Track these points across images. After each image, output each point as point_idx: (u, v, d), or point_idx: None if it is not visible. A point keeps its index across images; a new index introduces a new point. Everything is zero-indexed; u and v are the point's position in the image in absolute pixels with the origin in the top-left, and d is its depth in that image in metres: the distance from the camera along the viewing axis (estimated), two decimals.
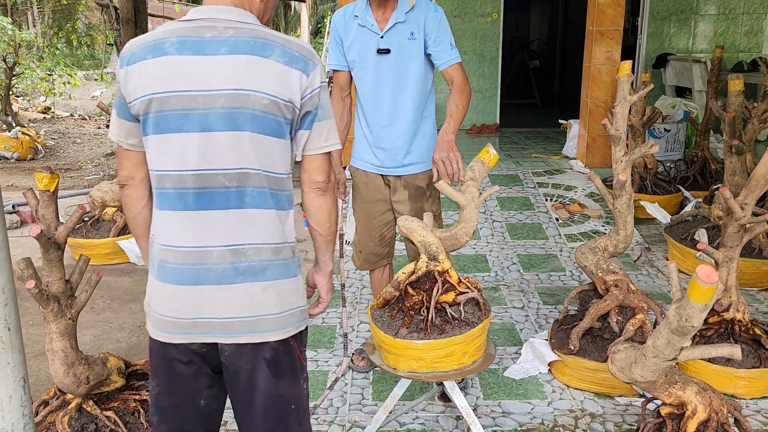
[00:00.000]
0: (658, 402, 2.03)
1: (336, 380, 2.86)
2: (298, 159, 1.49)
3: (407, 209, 2.71)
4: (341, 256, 3.26)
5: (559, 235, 4.63)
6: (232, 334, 1.44)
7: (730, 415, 1.98)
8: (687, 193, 5.12)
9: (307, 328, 1.57)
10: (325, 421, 2.58)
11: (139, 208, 1.53)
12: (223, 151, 1.38)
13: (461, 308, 2.18)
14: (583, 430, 2.52)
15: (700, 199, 4.78)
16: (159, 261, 1.44)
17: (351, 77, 2.70)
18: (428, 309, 2.14)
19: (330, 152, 1.50)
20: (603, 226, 4.72)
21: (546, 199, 5.11)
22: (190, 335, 1.45)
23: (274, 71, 1.38)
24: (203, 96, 1.36)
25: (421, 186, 2.71)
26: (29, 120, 11.17)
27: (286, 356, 1.49)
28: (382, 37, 2.56)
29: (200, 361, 1.49)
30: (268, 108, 1.38)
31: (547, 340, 2.97)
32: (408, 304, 2.18)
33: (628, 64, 2.77)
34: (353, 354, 3.01)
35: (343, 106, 2.74)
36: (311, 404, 2.68)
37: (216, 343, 1.47)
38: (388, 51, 2.55)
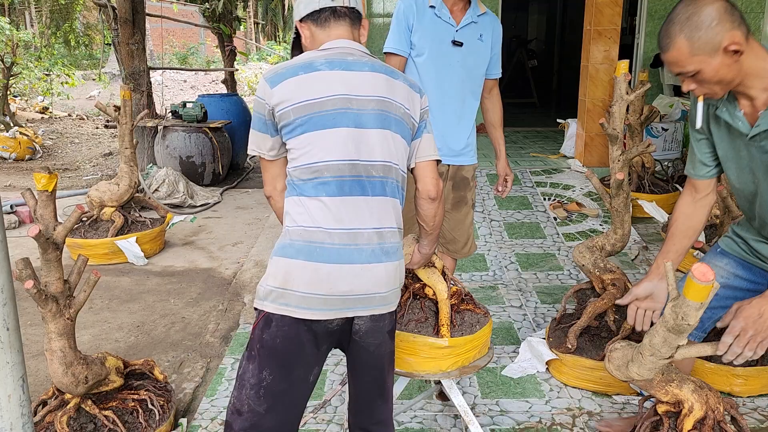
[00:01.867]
0: (655, 400, 2.04)
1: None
2: (411, 166, 1.78)
3: (449, 198, 2.88)
4: None
5: (557, 234, 4.64)
6: (370, 307, 1.66)
7: (726, 413, 1.99)
8: None
9: None
10: (323, 420, 2.59)
11: None
12: (373, 145, 1.65)
13: None
14: (580, 428, 2.52)
15: None
16: (308, 244, 1.61)
17: (405, 64, 2.78)
18: (466, 299, 2.26)
19: (436, 163, 1.80)
20: (601, 225, 4.73)
21: (544, 198, 5.12)
22: (337, 311, 1.62)
23: (404, 90, 1.73)
24: (357, 99, 1.64)
25: (466, 177, 2.89)
26: (27, 120, 11.16)
27: (395, 321, 1.79)
28: (457, 31, 2.69)
29: (329, 340, 1.68)
30: (403, 116, 1.71)
31: (544, 338, 2.98)
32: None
33: (625, 63, 2.78)
34: None
35: None
36: (320, 401, 2.70)
37: (350, 322, 1.66)
38: (461, 44, 2.69)
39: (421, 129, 1.78)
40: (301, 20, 1.77)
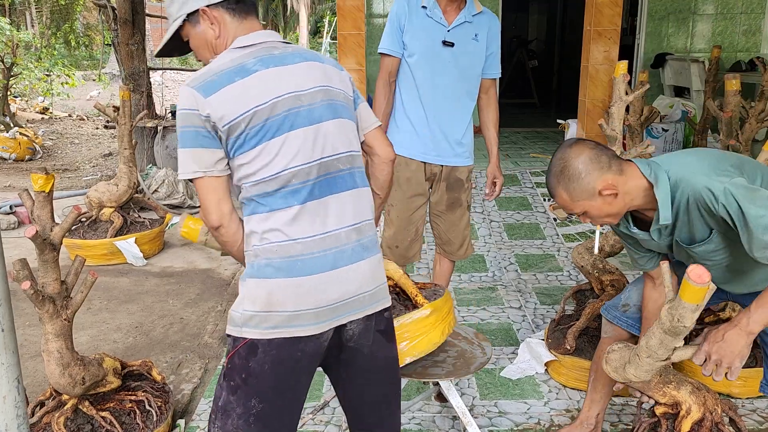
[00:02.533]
0: (653, 402, 2.03)
1: None
2: (361, 140, 1.68)
3: (444, 199, 2.87)
4: None
5: (557, 234, 4.63)
6: (362, 308, 1.56)
7: (724, 414, 1.98)
8: None
9: None
10: (321, 421, 2.58)
11: (240, 237, 1.54)
12: (333, 138, 1.54)
13: None
14: None
15: None
16: (287, 259, 1.47)
17: (398, 65, 2.77)
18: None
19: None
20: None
21: (544, 199, 5.11)
22: (329, 322, 1.51)
23: (335, 72, 1.62)
24: (305, 94, 1.51)
25: (460, 178, 2.87)
26: (27, 120, 11.16)
27: (391, 322, 1.68)
28: (449, 31, 2.68)
29: (319, 355, 1.55)
30: (345, 100, 1.61)
31: (543, 340, 2.98)
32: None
33: (623, 64, 2.78)
34: None
35: (389, 90, 2.80)
36: (321, 401, 2.69)
37: (339, 332, 1.56)
38: (452, 44, 2.68)
39: (356, 102, 1.67)
40: (209, 6, 1.53)
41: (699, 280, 1.42)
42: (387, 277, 2.09)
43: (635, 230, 1.90)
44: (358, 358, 1.62)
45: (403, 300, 2.16)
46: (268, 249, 1.48)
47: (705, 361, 1.68)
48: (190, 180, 1.48)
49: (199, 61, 1.64)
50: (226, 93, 1.45)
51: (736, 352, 1.63)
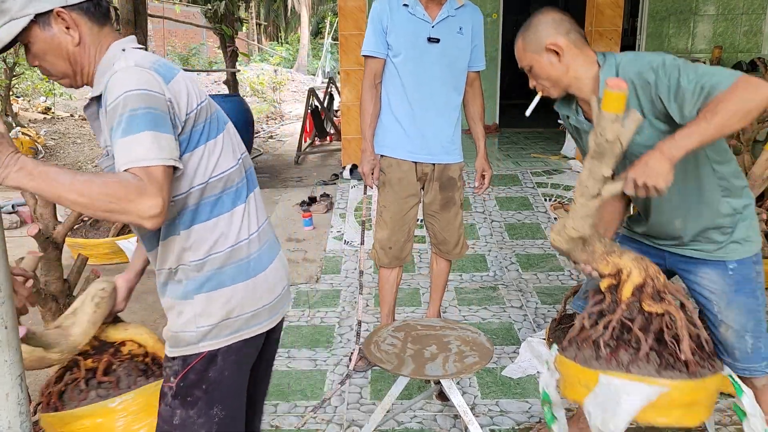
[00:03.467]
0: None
1: (348, 375, 2.88)
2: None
3: (437, 199, 2.85)
4: (362, 242, 3.23)
5: None
6: (290, 296, 1.66)
7: (674, 297, 1.93)
8: None
9: None
10: (323, 420, 2.59)
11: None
12: (238, 138, 1.58)
13: None
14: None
15: None
16: (238, 263, 1.46)
17: (383, 65, 2.76)
18: None
19: None
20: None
21: (545, 199, 5.12)
22: (281, 312, 1.59)
23: None
24: (210, 99, 1.52)
25: (453, 177, 2.85)
26: (29, 120, 11.18)
27: None
28: (433, 27, 2.67)
29: (257, 352, 1.60)
30: None
31: (544, 339, 2.98)
32: None
33: None
34: (350, 353, 3.02)
35: (376, 92, 2.79)
36: (321, 399, 2.70)
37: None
38: (438, 40, 2.67)
39: None
40: (65, 8, 1.34)
41: (617, 87, 1.47)
42: (138, 344, 1.95)
43: (581, 119, 1.96)
44: (270, 347, 1.67)
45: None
46: (215, 259, 1.42)
47: (636, 187, 1.70)
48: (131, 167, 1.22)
49: (34, 66, 1.42)
50: (178, 83, 1.36)
51: (660, 173, 1.64)
